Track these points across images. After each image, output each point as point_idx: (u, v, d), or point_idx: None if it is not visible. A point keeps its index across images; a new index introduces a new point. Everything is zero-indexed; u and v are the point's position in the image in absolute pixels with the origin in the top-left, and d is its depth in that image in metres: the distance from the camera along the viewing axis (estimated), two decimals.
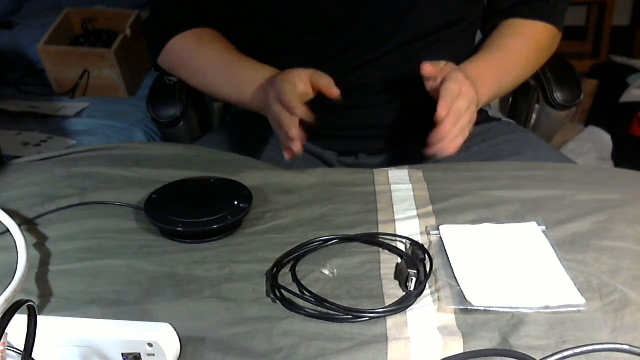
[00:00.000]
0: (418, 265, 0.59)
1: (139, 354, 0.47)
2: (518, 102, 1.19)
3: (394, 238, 0.65)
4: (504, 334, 0.51)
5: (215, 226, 0.65)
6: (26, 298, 0.42)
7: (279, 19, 0.96)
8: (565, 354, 0.43)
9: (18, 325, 0.41)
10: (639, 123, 2.32)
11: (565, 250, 0.62)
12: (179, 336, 0.49)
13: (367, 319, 0.54)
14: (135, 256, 0.64)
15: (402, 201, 0.72)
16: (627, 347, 0.44)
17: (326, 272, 0.60)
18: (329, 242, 0.65)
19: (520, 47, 0.96)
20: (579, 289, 0.56)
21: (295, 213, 0.71)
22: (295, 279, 0.59)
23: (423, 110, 1.00)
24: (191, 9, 1.01)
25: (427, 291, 0.57)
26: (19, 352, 0.46)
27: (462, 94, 0.80)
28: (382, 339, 0.51)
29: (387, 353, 0.50)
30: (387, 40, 0.94)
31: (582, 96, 1.06)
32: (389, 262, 0.62)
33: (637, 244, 0.62)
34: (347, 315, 0.54)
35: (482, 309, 0.54)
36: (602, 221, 0.66)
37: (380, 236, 0.66)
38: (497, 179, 0.76)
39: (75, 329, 0.48)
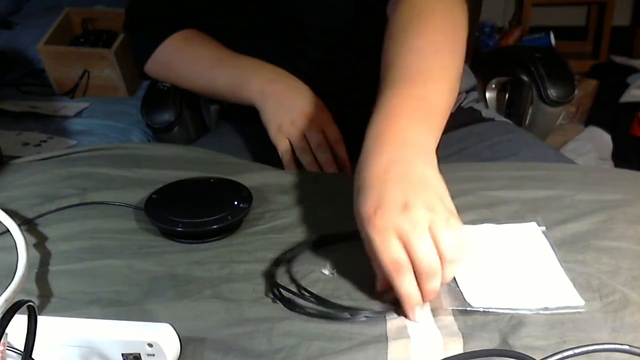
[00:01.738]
0: None
1: (139, 354, 0.47)
2: (513, 101, 1.19)
3: None
4: (504, 334, 0.51)
5: (215, 226, 0.65)
6: (26, 298, 0.42)
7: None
8: (565, 354, 0.43)
9: (18, 325, 0.41)
10: (639, 123, 2.32)
11: (565, 250, 0.62)
12: (179, 336, 0.49)
13: (365, 318, 0.53)
14: (135, 256, 0.64)
15: None
16: (627, 347, 0.44)
17: (326, 272, 0.60)
18: (329, 241, 0.65)
19: (422, 41, 0.68)
20: (578, 290, 0.56)
21: (295, 213, 0.71)
22: (293, 278, 0.59)
23: None
24: (173, 13, 1.01)
25: None
26: (19, 352, 0.46)
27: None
28: (382, 339, 0.51)
29: (387, 353, 0.50)
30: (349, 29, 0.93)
31: (576, 91, 1.06)
32: None
33: (637, 244, 0.62)
34: (345, 313, 0.54)
35: (481, 310, 0.54)
36: (602, 221, 0.66)
37: None
38: (496, 179, 0.76)
39: (75, 329, 0.48)
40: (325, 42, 0.95)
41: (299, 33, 0.96)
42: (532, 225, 0.66)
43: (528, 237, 0.64)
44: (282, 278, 0.59)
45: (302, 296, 0.56)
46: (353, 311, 0.54)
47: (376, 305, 0.55)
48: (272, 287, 0.58)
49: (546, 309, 0.54)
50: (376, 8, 0.81)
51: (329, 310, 0.54)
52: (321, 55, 0.96)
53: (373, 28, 0.81)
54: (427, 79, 0.63)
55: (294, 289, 0.57)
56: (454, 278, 0.58)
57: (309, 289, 0.57)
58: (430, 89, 0.63)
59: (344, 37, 0.95)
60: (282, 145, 0.87)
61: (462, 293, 0.56)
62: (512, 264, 0.60)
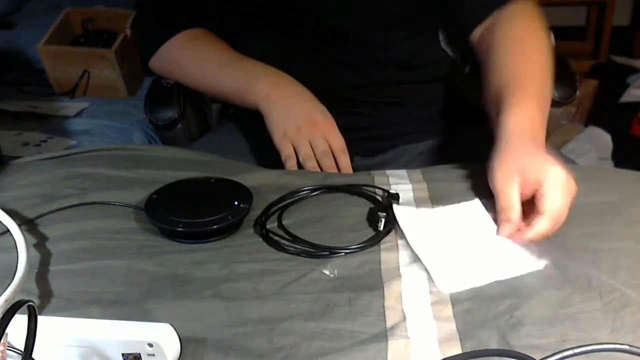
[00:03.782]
0: (388, 210, 0.68)
1: (139, 354, 0.47)
2: None
3: (373, 189, 0.75)
4: (503, 333, 0.51)
5: (215, 226, 0.65)
6: (26, 298, 0.42)
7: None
8: (565, 353, 0.43)
9: (18, 325, 0.41)
10: (639, 123, 2.32)
11: (565, 250, 0.62)
12: (179, 336, 0.49)
13: (344, 254, 0.62)
14: (135, 256, 0.64)
15: (402, 202, 0.72)
16: (627, 347, 0.44)
17: (326, 272, 0.60)
18: (315, 192, 0.74)
19: (526, 52, 0.84)
20: (578, 288, 0.56)
21: (295, 214, 0.71)
22: (280, 225, 0.68)
23: (416, 110, 1.01)
24: (182, 10, 1.01)
25: (422, 281, 0.57)
26: (19, 352, 0.46)
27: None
28: (382, 338, 0.51)
29: (387, 352, 0.50)
30: (356, 35, 0.94)
31: (577, 92, 1.06)
32: (389, 262, 0.62)
33: (637, 244, 0.63)
34: (324, 252, 0.63)
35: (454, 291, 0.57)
36: (602, 221, 0.66)
37: (362, 187, 0.75)
38: None
39: (75, 329, 0.48)
40: (340, 47, 0.95)
41: (319, 36, 0.96)
42: (476, 202, 0.70)
43: (475, 215, 0.68)
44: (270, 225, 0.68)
45: (286, 238, 0.65)
46: (330, 248, 0.63)
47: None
48: (262, 230, 0.67)
49: (513, 277, 0.58)
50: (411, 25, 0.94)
51: (308, 249, 0.63)
52: (331, 60, 0.96)
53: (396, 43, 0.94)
54: (544, 100, 0.78)
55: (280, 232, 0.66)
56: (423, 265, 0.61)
57: (291, 232, 0.66)
58: (545, 108, 0.77)
59: (364, 47, 0.95)
60: (286, 151, 0.87)
61: (431, 277, 0.59)
62: (470, 243, 0.64)
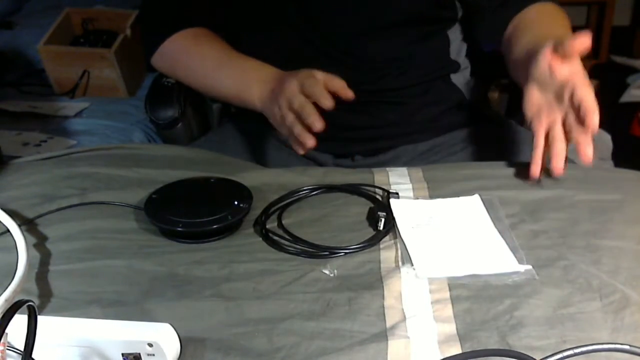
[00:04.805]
0: (387, 209, 0.68)
1: (139, 354, 0.47)
2: (514, 101, 1.19)
3: (372, 188, 0.75)
4: (503, 333, 0.51)
5: (215, 226, 0.65)
6: (26, 298, 0.42)
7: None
8: (565, 354, 0.43)
9: (18, 325, 0.41)
10: (639, 123, 2.32)
11: (565, 250, 0.62)
12: (179, 336, 0.49)
13: (343, 254, 0.62)
14: (135, 256, 0.64)
15: None
16: (627, 347, 0.44)
17: (326, 271, 0.60)
18: (315, 192, 0.74)
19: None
20: (578, 289, 0.56)
21: (295, 213, 0.71)
22: (280, 224, 0.68)
23: (417, 110, 1.01)
24: (184, 9, 1.01)
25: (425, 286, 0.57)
26: (19, 352, 0.46)
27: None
28: (382, 338, 0.51)
29: (387, 353, 0.50)
30: (362, 32, 0.94)
31: None
32: (389, 262, 0.62)
33: (637, 244, 0.63)
34: (324, 252, 0.63)
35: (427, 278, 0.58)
36: (602, 221, 0.66)
37: (362, 186, 0.75)
38: (496, 177, 0.76)
39: (75, 329, 0.48)
40: (342, 47, 0.95)
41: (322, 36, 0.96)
42: (475, 198, 0.70)
43: (471, 209, 0.69)
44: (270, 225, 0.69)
45: (286, 238, 0.65)
46: (330, 249, 0.63)
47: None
48: (262, 231, 0.67)
49: (489, 275, 0.58)
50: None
51: (308, 249, 0.63)
52: (332, 60, 0.96)
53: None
54: None
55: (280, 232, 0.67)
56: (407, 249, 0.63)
57: (291, 232, 0.66)
58: None
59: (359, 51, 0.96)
60: (286, 133, 0.83)
61: (413, 264, 0.60)
62: (458, 235, 0.65)
